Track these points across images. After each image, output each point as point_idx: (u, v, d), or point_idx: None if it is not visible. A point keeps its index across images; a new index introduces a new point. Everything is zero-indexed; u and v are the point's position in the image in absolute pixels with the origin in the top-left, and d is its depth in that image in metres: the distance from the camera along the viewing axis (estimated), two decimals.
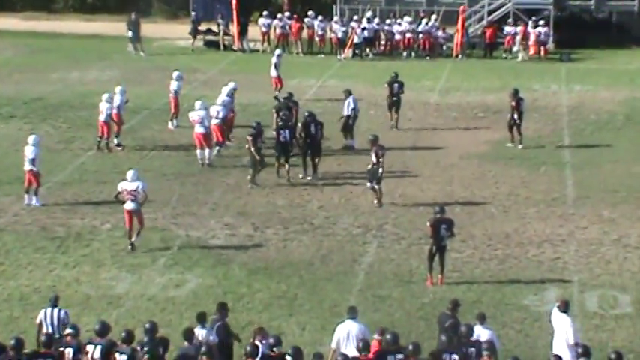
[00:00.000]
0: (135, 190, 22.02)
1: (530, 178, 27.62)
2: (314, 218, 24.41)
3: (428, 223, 20.78)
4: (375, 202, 25.06)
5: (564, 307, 16.54)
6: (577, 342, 15.91)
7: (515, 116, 30.07)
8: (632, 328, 18.70)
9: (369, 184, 25.12)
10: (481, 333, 15.72)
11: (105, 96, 29.45)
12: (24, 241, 22.79)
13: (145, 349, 14.74)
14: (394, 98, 31.95)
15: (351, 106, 29.94)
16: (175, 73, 32.73)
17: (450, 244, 21.10)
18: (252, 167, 26.71)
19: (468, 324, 15.78)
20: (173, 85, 32.18)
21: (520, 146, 30.13)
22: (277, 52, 37.17)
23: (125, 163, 28.35)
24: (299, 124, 27.91)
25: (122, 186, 22.25)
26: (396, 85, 31.90)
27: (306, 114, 27.82)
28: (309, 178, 27.16)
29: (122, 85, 31.33)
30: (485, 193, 26.30)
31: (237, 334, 16.41)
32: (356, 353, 15.01)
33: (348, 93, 30.25)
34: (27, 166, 24.79)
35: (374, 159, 25.03)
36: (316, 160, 27.32)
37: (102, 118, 29.20)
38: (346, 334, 15.83)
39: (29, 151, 24.81)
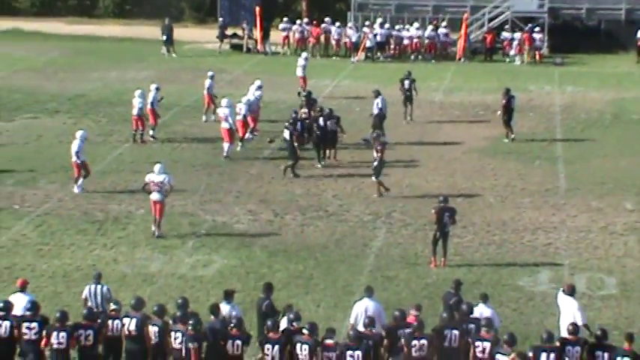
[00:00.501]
0: (161, 182, 21.96)
1: (526, 170, 27.54)
2: (329, 206, 24.40)
3: (432, 211, 20.75)
4: (380, 195, 24.85)
5: (570, 291, 16.33)
6: (585, 323, 15.75)
7: (501, 112, 30.21)
8: (617, 308, 18.67)
9: (374, 179, 25.00)
10: (484, 311, 15.67)
11: (137, 92, 29.47)
12: (67, 224, 22.86)
13: (191, 322, 14.68)
14: (407, 93, 32.09)
15: (380, 105, 29.85)
16: (209, 73, 32.87)
17: (452, 231, 21.07)
18: (292, 157, 26.61)
19: (469, 302, 15.77)
20: (207, 83, 32.32)
21: (512, 137, 30.12)
22: (304, 55, 37.23)
23: (158, 155, 28.40)
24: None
25: (150, 177, 22.18)
26: (407, 81, 32.02)
27: (318, 109, 28.15)
28: (318, 166, 27.21)
29: (156, 83, 31.36)
30: (484, 184, 26.24)
31: (280, 311, 16.23)
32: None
33: (377, 93, 30.13)
34: (72, 158, 24.83)
35: (375, 154, 24.94)
36: (328, 150, 27.55)
37: (134, 112, 29.24)
38: (363, 311, 15.77)
39: (74, 144, 24.84)
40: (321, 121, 27.60)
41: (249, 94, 30.11)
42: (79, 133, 25.17)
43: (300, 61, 36.16)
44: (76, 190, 24.83)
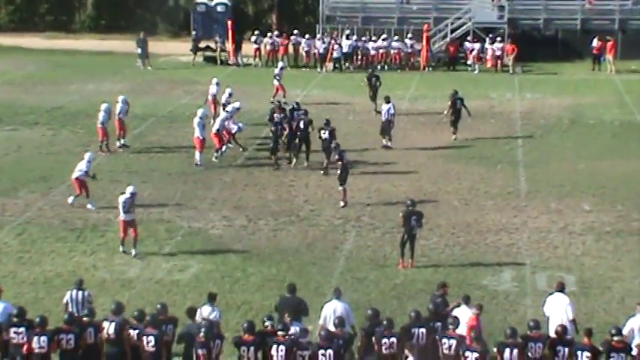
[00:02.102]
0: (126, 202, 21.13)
1: (488, 174, 27.67)
2: (300, 211, 24.41)
3: (400, 214, 20.81)
4: (343, 203, 24.61)
5: (560, 287, 16.49)
6: (573, 318, 15.91)
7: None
8: (576, 304, 18.68)
9: (339, 187, 24.84)
10: (464, 313, 15.54)
11: (103, 106, 29.30)
12: (47, 232, 22.73)
13: (203, 329, 14.56)
14: (456, 114, 31.10)
15: (391, 111, 29.90)
16: (214, 80, 33.43)
17: (419, 233, 21.14)
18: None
19: (436, 302, 15.81)
20: (212, 89, 32.75)
21: (454, 137, 30.64)
22: (280, 64, 37.25)
23: (135, 164, 28.34)
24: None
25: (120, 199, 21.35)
26: (458, 101, 31.11)
27: (303, 112, 28.70)
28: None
29: (124, 95, 31.18)
30: (449, 188, 26.34)
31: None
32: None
33: (388, 100, 30.12)
34: (75, 174, 24.29)
35: (338, 163, 24.85)
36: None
37: (98, 124, 29.06)
38: (332, 312, 15.80)
39: (81, 164, 24.30)
40: (301, 124, 27.90)
41: (228, 106, 29.91)
42: (87, 155, 24.73)
43: (276, 70, 36.18)
44: (70, 200, 24.43)
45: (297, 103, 30.07)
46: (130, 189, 21.37)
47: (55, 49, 49.89)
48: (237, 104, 30.07)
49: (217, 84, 33.15)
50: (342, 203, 24.63)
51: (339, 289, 16.60)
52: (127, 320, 15.14)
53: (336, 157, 24.94)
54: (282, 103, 30.56)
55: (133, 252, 21.14)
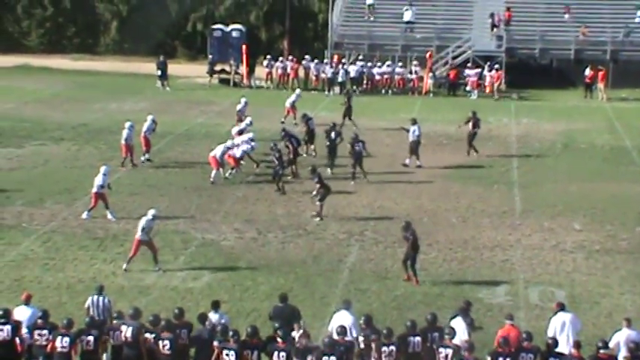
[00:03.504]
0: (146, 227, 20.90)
1: (485, 194, 27.69)
2: (307, 225, 24.43)
3: (410, 238, 20.48)
4: (317, 217, 24.56)
5: (561, 307, 16.24)
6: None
7: (474, 131, 31.18)
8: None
9: (317, 202, 24.79)
10: (459, 325, 15.43)
11: (127, 124, 29.42)
12: (71, 240, 22.80)
13: (231, 333, 14.53)
14: (475, 131, 31.61)
15: (417, 132, 29.97)
16: (243, 99, 34.43)
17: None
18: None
19: (433, 313, 15.80)
20: (239, 106, 33.79)
21: (474, 153, 30.98)
22: (297, 91, 37.48)
23: (153, 178, 28.46)
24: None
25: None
26: (479, 121, 31.66)
27: (331, 125, 30.18)
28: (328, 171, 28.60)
29: (152, 114, 31.41)
30: (448, 206, 26.36)
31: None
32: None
33: (414, 121, 30.23)
34: (94, 189, 24.26)
35: (315, 185, 24.85)
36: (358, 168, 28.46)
37: (122, 140, 29.18)
38: (341, 321, 15.71)
39: (98, 178, 24.28)
40: (333, 134, 29.17)
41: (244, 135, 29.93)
42: (102, 168, 24.67)
43: (292, 97, 36.38)
44: (84, 215, 24.41)
45: (334, 123, 30.95)
46: (151, 212, 21.19)
47: (81, 70, 50.18)
48: (250, 135, 29.94)
49: (246, 103, 33.58)
50: (317, 218, 24.56)
51: (349, 300, 16.57)
52: (143, 325, 15.20)
53: (315, 179, 24.88)
54: (293, 124, 30.73)
55: (155, 267, 20.88)
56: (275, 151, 27.57)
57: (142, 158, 29.97)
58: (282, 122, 35.39)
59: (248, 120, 31.72)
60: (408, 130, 30.22)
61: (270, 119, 36.06)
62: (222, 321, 15.66)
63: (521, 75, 45.52)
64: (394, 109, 40.04)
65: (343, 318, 15.83)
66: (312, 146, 31.51)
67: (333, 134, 29.41)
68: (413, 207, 26.05)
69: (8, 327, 15.06)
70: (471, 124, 31.59)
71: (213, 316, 15.79)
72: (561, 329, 15.98)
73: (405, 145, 33.00)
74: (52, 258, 21.60)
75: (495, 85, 43.73)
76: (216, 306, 16.11)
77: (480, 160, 31.41)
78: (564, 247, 23.04)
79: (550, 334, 15.89)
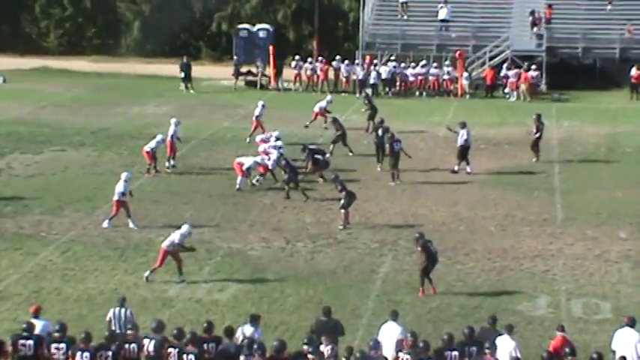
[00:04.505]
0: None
1: (525, 201, 27.56)
2: (338, 234, 24.45)
3: (418, 248, 20.47)
4: (343, 227, 24.64)
5: (630, 322, 16.02)
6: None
7: (538, 135, 31.10)
8: (612, 332, 18.55)
9: (342, 210, 24.88)
10: (506, 343, 15.30)
11: (158, 137, 29.59)
12: (91, 250, 22.96)
13: (256, 346, 14.52)
14: (539, 134, 31.61)
15: (464, 137, 29.98)
16: (260, 102, 34.37)
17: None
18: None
19: (470, 326, 15.76)
20: (256, 111, 33.83)
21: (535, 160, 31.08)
22: (329, 97, 37.48)
23: (176, 185, 28.61)
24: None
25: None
26: (541, 124, 31.61)
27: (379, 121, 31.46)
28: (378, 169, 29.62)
29: (176, 117, 31.60)
30: (485, 214, 26.27)
31: None
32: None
33: (463, 125, 30.22)
34: (115, 197, 24.42)
35: (339, 193, 24.99)
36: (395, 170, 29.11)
37: (147, 148, 29.36)
38: (389, 333, 15.82)
39: (119, 185, 24.43)
40: (380, 131, 30.04)
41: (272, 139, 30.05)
42: (123, 175, 24.83)
43: (322, 102, 36.43)
44: (105, 224, 24.57)
45: (382, 119, 31.77)
46: (186, 227, 21.21)
47: (101, 73, 50.51)
48: (279, 142, 29.88)
49: (263, 106, 33.61)
50: (340, 226, 24.64)
51: (396, 311, 16.57)
52: (166, 338, 15.25)
53: (339, 187, 25.03)
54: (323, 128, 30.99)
55: (179, 278, 21.00)
56: (304, 152, 28.76)
57: (167, 164, 30.14)
58: (307, 126, 35.51)
59: (276, 134, 30.98)
60: (457, 132, 30.14)
61: (299, 123, 36.15)
62: (256, 336, 15.61)
63: (562, 76, 45.23)
64: (428, 111, 39.98)
65: (391, 330, 15.80)
66: (347, 147, 31.94)
67: (380, 131, 30.13)
68: (449, 215, 25.99)
69: (31, 342, 15.15)
70: (534, 128, 31.39)
71: (248, 330, 15.78)
72: (624, 346, 15.66)
73: (440, 149, 33.01)
74: (71, 268, 21.75)
75: (522, 86, 43.38)
76: (254, 320, 16.05)
77: (519, 165, 31.24)
78: (609, 257, 22.88)
79: (614, 347, 15.70)
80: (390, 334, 15.84)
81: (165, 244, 21.02)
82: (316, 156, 29.11)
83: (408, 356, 14.73)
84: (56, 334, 15.26)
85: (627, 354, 15.30)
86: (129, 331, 15.41)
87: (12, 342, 15.17)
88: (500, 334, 15.65)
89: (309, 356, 14.63)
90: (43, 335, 15.40)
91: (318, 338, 15.57)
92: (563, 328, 15.91)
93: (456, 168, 30.09)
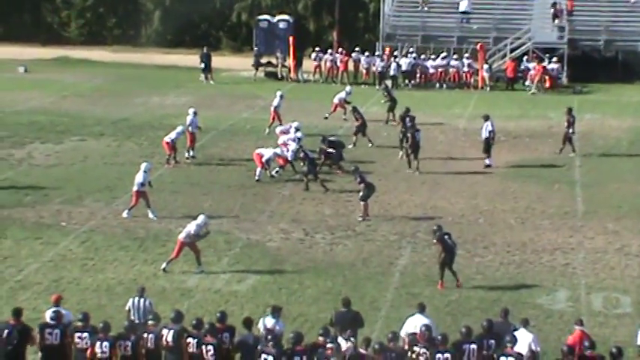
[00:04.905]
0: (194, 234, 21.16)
1: (545, 194, 27.46)
2: (356, 226, 24.44)
3: (434, 240, 20.46)
4: (362, 219, 24.64)
5: None
6: None
7: (570, 130, 30.81)
8: (632, 326, 18.46)
9: (361, 202, 24.86)
10: (524, 336, 15.29)
11: (179, 128, 29.65)
12: (110, 240, 23.06)
13: (271, 339, 14.60)
14: (571, 128, 31.38)
15: (489, 129, 29.84)
16: (278, 93, 34.27)
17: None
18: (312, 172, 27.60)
19: (489, 319, 15.72)
20: (275, 102, 33.75)
21: (573, 154, 30.90)
22: (348, 88, 37.33)
23: (196, 176, 28.68)
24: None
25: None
26: (572, 117, 31.39)
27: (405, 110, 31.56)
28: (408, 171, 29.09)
29: (194, 107, 31.63)
30: (505, 207, 26.19)
31: None
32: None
33: (486, 118, 30.09)
34: (134, 187, 24.46)
35: (358, 185, 24.96)
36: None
37: (167, 139, 29.37)
38: (414, 326, 15.77)
39: (138, 175, 24.48)
40: (407, 121, 29.86)
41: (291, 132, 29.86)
42: (143, 165, 24.83)
43: (342, 93, 36.32)
44: (125, 214, 24.61)
45: (408, 108, 31.80)
46: (202, 217, 21.23)
47: (121, 63, 50.70)
48: (299, 134, 29.66)
49: (281, 97, 33.61)
50: (360, 218, 24.63)
51: (423, 304, 16.48)
52: (185, 329, 15.30)
53: (358, 179, 25.01)
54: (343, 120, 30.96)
55: (198, 269, 21.04)
56: (324, 143, 28.78)
57: (187, 154, 30.20)
58: (326, 118, 35.50)
59: (295, 125, 30.82)
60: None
61: (318, 115, 36.13)
62: (277, 328, 15.62)
63: (584, 68, 44.97)
64: (448, 104, 39.87)
65: (419, 322, 15.75)
66: (366, 137, 31.96)
67: (407, 120, 29.99)
68: (468, 207, 25.93)
69: (57, 331, 15.26)
70: (566, 121, 31.21)
71: (269, 321, 15.80)
72: None
73: (460, 142, 32.91)
74: (91, 258, 21.86)
75: (536, 79, 43.15)
76: (275, 311, 16.04)
77: (540, 157, 31.11)
78: (630, 251, 22.76)
79: None
80: (415, 325, 15.75)
81: (181, 236, 21.09)
82: (329, 150, 28.99)
83: (425, 349, 14.69)
84: (79, 324, 15.36)
85: None
86: (149, 322, 15.47)
87: (39, 330, 15.27)
88: (514, 327, 15.61)
89: (328, 345, 14.61)
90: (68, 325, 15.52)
91: (341, 330, 15.58)
92: (582, 322, 15.85)
93: (487, 162, 29.91)
